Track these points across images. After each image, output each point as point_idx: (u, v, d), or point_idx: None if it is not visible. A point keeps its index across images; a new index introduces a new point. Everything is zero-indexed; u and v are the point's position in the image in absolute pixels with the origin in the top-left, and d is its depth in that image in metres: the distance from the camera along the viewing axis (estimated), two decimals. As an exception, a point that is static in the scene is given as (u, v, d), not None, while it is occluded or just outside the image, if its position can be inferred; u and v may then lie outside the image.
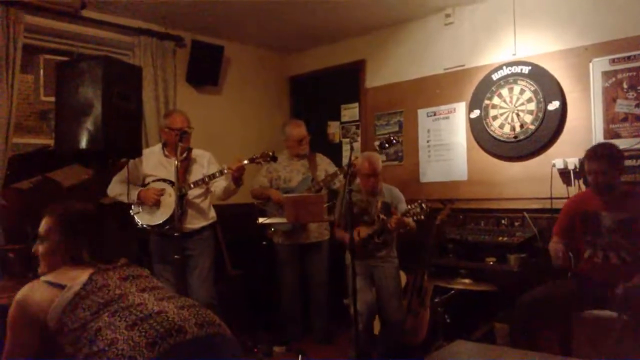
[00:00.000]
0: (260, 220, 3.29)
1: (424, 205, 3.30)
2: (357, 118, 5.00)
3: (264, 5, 4.08)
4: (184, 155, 3.44)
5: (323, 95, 5.28)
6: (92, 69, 3.04)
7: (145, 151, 3.57)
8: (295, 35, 4.92)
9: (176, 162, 3.15)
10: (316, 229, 4.07)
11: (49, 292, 1.54)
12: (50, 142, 4.20)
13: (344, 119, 5.10)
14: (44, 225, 1.72)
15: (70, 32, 3.92)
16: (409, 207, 3.36)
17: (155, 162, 3.50)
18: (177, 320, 1.47)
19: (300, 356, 3.43)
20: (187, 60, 4.55)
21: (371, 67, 4.87)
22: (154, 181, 3.45)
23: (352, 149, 3.61)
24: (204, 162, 3.54)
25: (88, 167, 3.47)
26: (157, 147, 3.62)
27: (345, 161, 4.72)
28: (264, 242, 4.22)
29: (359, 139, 4.94)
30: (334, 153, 4.79)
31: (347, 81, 5.03)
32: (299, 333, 4.17)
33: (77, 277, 1.57)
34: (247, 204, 4.30)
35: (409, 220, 3.37)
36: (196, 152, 3.56)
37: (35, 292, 1.56)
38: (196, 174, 3.46)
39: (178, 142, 3.24)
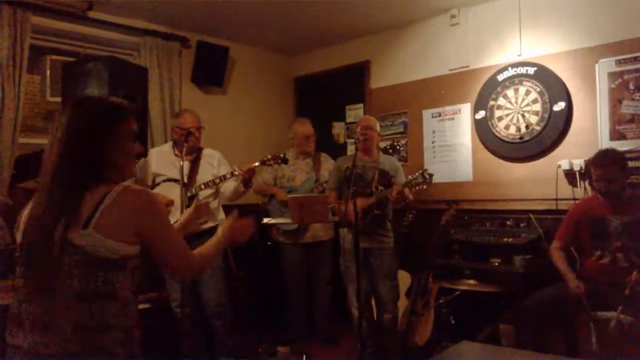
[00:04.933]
0: (265, 220, 3.30)
1: (426, 174, 3.24)
2: (362, 119, 5.00)
3: (269, 6, 4.08)
4: (194, 155, 3.45)
5: (328, 96, 5.28)
6: (98, 70, 3.07)
7: (154, 150, 3.58)
8: (300, 36, 4.92)
9: (181, 162, 3.16)
10: (320, 228, 4.07)
11: None
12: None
13: (349, 119, 5.10)
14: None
15: (77, 33, 3.93)
16: (410, 177, 3.29)
17: (165, 161, 3.47)
18: None
19: (304, 356, 3.42)
20: (192, 61, 4.56)
21: (376, 67, 4.87)
22: (163, 181, 3.42)
23: (356, 149, 3.61)
24: (214, 162, 3.52)
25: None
26: (167, 146, 3.61)
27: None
28: (269, 242, 4.22)
29: (363, 139, 4.93)
30: (338, 154, 4.77)
31: (352, 82, 5.02)
32: (303, 333, 4.17)
33: None
34: (251, 204, 4.31)
35: (408, 192, 3.31)
36: (206, 152, 3.55)
37: None
38: (206, 173, 3.44)
39: (184, 142, 3.26)
